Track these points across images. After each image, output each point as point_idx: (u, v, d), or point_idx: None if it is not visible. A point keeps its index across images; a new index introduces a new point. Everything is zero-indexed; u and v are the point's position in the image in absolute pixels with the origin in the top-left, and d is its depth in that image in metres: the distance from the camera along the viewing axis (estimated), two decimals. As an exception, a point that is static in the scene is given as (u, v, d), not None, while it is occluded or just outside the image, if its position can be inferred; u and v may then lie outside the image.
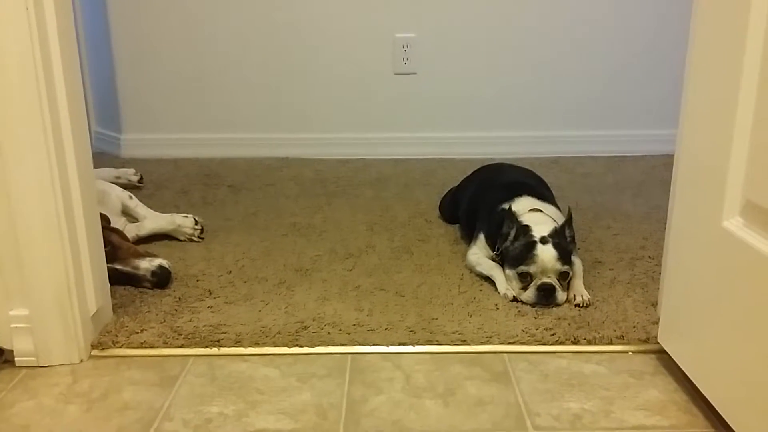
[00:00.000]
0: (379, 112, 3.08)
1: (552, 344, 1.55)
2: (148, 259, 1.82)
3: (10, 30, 1.31)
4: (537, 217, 1.81)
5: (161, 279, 1.79)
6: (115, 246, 1.82)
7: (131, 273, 1.79)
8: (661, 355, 1.49)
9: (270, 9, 2.97)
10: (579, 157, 3.03)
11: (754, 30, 1.12)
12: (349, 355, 1.52)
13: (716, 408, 1.26)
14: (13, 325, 1.46)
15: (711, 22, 1.25)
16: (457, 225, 2.21)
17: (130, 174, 2.65)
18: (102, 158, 2.98)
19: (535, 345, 1.55)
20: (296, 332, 1.59)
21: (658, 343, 1.50)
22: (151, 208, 2.20)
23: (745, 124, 1.16)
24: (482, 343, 1.55)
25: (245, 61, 3.03)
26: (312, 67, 3.04)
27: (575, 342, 1.55)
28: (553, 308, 1.68)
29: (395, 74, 3.04)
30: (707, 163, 1.26)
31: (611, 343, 1.55)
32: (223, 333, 1.58)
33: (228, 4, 2.97)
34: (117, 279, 1.77)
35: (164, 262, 1.82)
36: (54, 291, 1.45)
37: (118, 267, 1.77)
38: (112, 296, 1.69)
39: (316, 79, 3.05)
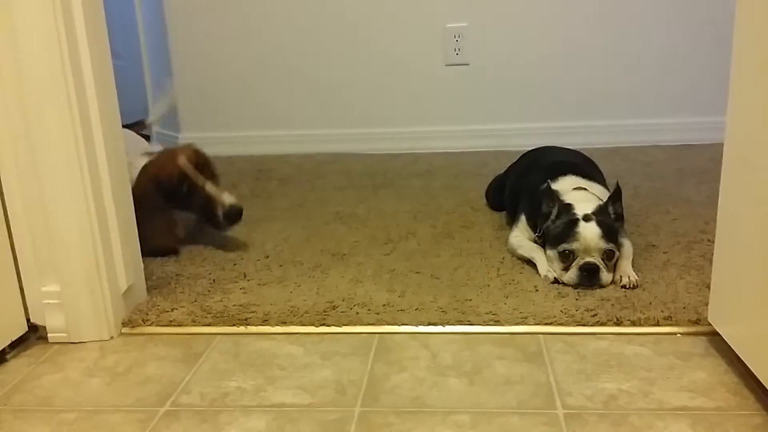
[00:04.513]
0: (431, 105, 3.02)
1: (592, 325, 1.45)
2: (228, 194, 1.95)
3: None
4: (580, 195, 1.72)
5: (233, 212, 1.90)
6: (215, 176, 2.01)
7: (212, 197, 1.90)
8: (713, 337, 1.37)
9: (320, 3, 2.97)
10: (642, 147, 2.88)
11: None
12: (377, 335, 1.47)
13: (769, 389, 1.14)
14: (45, 301, 1.48)
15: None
16: (504, 212, 2.12)
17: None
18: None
19: (574, 326, 1.45)
20: (324, 312, 1.55)
21: (710, 324, 1.38)
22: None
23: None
24: (516, 324, 1.47)
25: (297, 59, 3.04)
26: (361, 60, 3.01)
27: (618, 323, 1.45)
28: (597, 290, 1.58)
29: (446, 65, 2.97)
30: (760, 112, 1.14)
31: (658, 324, 1.44)
32: (251, 312, 1.56)
33: (278, 3, 2.99)
34: (196, 203, 1.91)
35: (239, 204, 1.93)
36: (83, 267, 1.46)
37: (207, 188, 1.91)
38: (148, 279, 1.70)
39: (365, 72, 3.02)
